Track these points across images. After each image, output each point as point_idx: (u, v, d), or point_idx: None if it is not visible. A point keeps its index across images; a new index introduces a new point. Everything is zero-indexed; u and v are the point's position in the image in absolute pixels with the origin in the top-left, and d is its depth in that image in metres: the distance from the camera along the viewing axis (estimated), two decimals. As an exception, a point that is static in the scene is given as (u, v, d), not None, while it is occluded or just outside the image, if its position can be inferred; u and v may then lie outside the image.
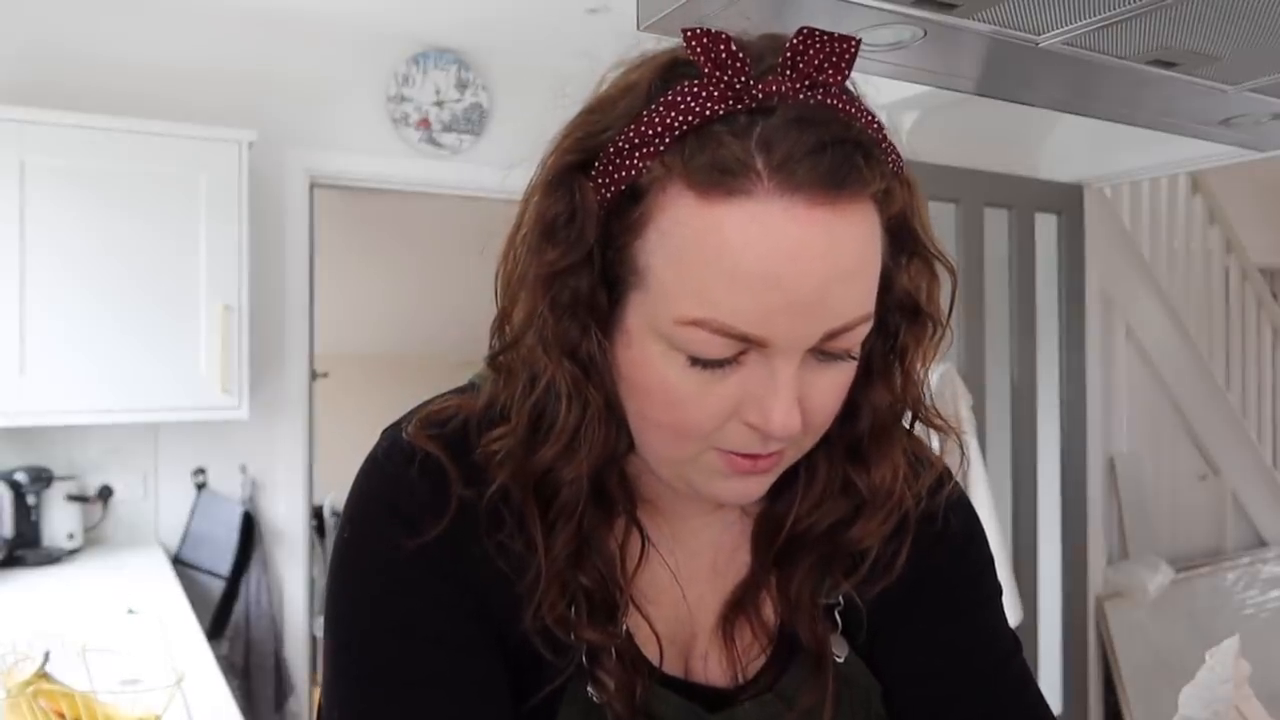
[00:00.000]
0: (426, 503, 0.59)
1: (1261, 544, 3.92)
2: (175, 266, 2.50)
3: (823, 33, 0.51)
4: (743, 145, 0.49)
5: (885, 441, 0.62)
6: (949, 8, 0.55)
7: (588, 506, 0.58)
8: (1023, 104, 0.81)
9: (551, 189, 0.55)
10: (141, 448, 2.75)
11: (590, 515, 0.58)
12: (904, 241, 0.57)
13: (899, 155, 0.56)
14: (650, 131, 0.51)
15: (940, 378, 2.59)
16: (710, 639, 0.64)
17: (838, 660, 0.64)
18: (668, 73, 0.54)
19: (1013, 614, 2.61)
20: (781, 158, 0.49)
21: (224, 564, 2.66)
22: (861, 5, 0.55)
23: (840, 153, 0.50)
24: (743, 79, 0.50)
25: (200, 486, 2.80)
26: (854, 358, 0.56)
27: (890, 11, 0.56)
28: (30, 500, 2.52)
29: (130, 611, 2.04)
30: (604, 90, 0.56)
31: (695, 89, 0.51)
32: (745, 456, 0.55)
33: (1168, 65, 0.64)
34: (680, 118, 0.51)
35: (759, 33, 0.55)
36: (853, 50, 0.52)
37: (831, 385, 0.55)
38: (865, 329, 0.54)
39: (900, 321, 0.59)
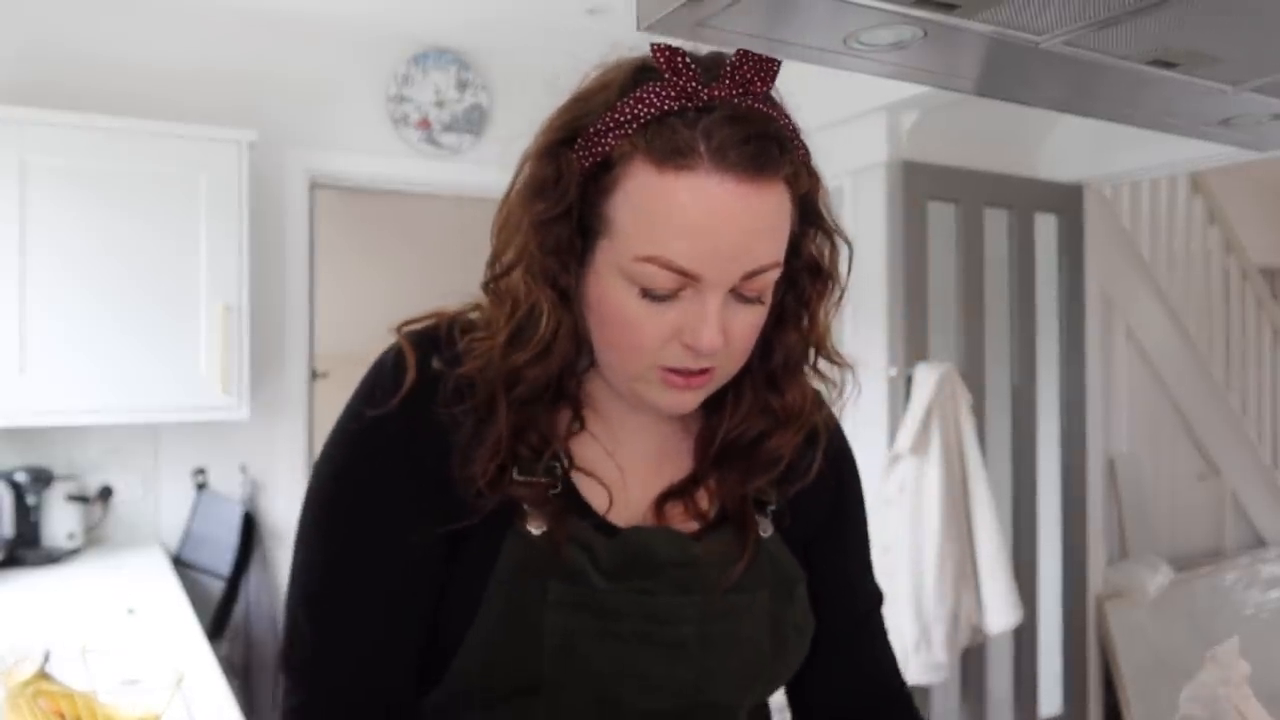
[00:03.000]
0: (389, 383, 0.74)
1: (1261, 544, 3.92)
2: (175, 266, 2.50)
3: (754, 54, 0.67)
4: (690, 133, 0.66)
5: (795, 373, 0.79)
6: (949, 8, 0.55)
7: (543, 400, 0.74)
8: (1023, 104, 0.81)
9: (542, 158, 0.72)
10: (141, 448, 2.75)
11: (542, 404, 0.74)
12: (811, 218, 0.75)
13: (807, 151, 0.73)
14: (622, 118, 0.68)
15: (940, 378, 2.59)
16: (650, 514, 0.78)
17: (763, 535, 0.79)
18: (637, 75, 0.70)
19: (1013, 614, 2.61)
20: (718, 144, 0.66)
21: (224, 564, 2.66)
22: (861, 5, 0.56)
23: (761, 144, 0.67)
24: (694, 84, 0.67)
25: (200, 486, 2.80)
26: (764, 302, 0.73)
27: (890, 12, 0.56)
28: (30, 500, 2.52)
29: (130, 611, 2.04)
30: (586, 85, 0.73)
31: (657, 89, 0.68)
32: (681, 375, 0.71)
33: (1168, 65, 0.64)
34: (645, 109, 0.68)
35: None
36: (775, 68, 0.69)
37: (748, 320, 0.72)
38: (775, 274, 0.71)
39: (807, 280, 0.77)
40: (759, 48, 0.69)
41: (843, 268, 0.78)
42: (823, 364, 0.82)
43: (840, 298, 0.79)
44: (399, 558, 0.73)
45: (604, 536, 0.75)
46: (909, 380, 2.66)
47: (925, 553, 2.54)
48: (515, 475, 0.73)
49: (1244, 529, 3.92)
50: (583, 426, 0.77)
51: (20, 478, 2.51)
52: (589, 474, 0.76)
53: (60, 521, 2.56)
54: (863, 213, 2.80)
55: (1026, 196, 3.00)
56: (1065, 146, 3.05)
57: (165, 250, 2.49)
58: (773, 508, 0.81)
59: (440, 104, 3.07)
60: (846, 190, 2.84)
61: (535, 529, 0.72)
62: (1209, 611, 3.41)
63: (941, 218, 2.79)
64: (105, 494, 2.69)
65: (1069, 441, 3.11)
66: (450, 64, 3.08)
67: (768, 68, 0.68)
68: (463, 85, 3.09)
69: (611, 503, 0.77)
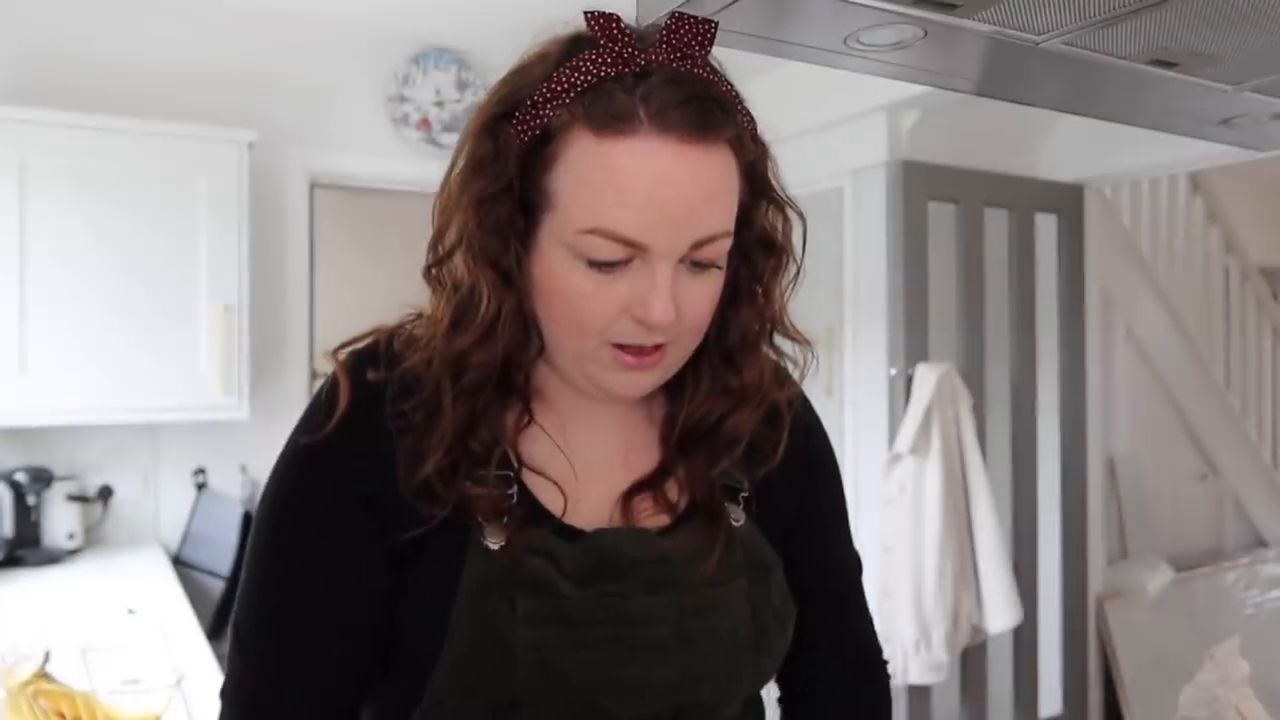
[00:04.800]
0: (324, 408, 0.73)
1: (1261, 544, 3.92)
2: (175, 266, 2.50)
3: (691, 16, 0.65)
4: (629, 98, 0.64)
5: (752, 350, 0.77)
6: (949, 8, 0.56)
7: (490, 391, 0.71)
8: (1023, 104, 0.81)
9: (481, 134, 0.70)
10: (141, 448, 2.75)
11: (490, 398, 0.71)
12: (761, 190, 0.73)
13: (753, 119, 0.71)
14: (559, 88, 0.66)
15: (940, 378, 2.59)
16: (617, 512, 0.76)
17: (735, 524, 0.77)
18: (572, 46, 0.68)
19: (1013, 614, 2.61)
20: (658, 107, 0.64)
21: (224, 564, 2.66)
22: (861, 5, 0.56)
23: (701, 105, 0.65)
24: (630, 50, 0.66)
25: (200, 486, 2.80)
26: (719, 268, 0.70)
27: (890, 11, 0.56)
28: (30, 500, 2.52)
29: (130, 611, 2.04)
30: (523, 59, 0.71)
31: (593, 56, 0.66)
32: (633, 354, 0.69)
33: (1168, 65, 0.64)
34: (581, 77, 0.65)
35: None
36: (712, 30, 0.66)
37: (702, 292, 0.70)
38: (726, 243, 0.69)
39: (760, 254, 0.75)
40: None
41: (796, 241, 0.77)
42: (784, 341, 0.81)
43: (796, 273, 0.77)
44: (333, 585, 0.71)
45: (566, 542, 0.72)
46: (909, 380, 2.66)
47: (925, 553, 2.54)
48: (468, 481, 0.70)
49: (1244, 529, 3.92)
50: (531, 419, 0.75)
51: (20, 478, 2.51)
52: (539, 473, 0.74)
53: (60, 521, 2.56)
54: (863, 213, 2.80)
55: (1026, 196, 2.99)
56: (1065, 146, 3.05)
57: (165, 250, 2.49)
58: (744, 494, 0.79)
59: (440, 104, 3.07)
60: (847, 190, 2.84)
61: (493, 543, 0.70)
62: (1209, 611, 3.41)
63: (941, 218, 2.79)
64: (105, 494, 2.69)
65: (1069, 441, 3.11)
66: (450, 64, 3.07)
67: (705, 31, 0.66)
68: (463, 85, 3.09)
69: (566, 503, 0.74)
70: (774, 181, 0.74)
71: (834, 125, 2.81)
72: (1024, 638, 2.96)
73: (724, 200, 0.68)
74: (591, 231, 0.65)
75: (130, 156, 2.46)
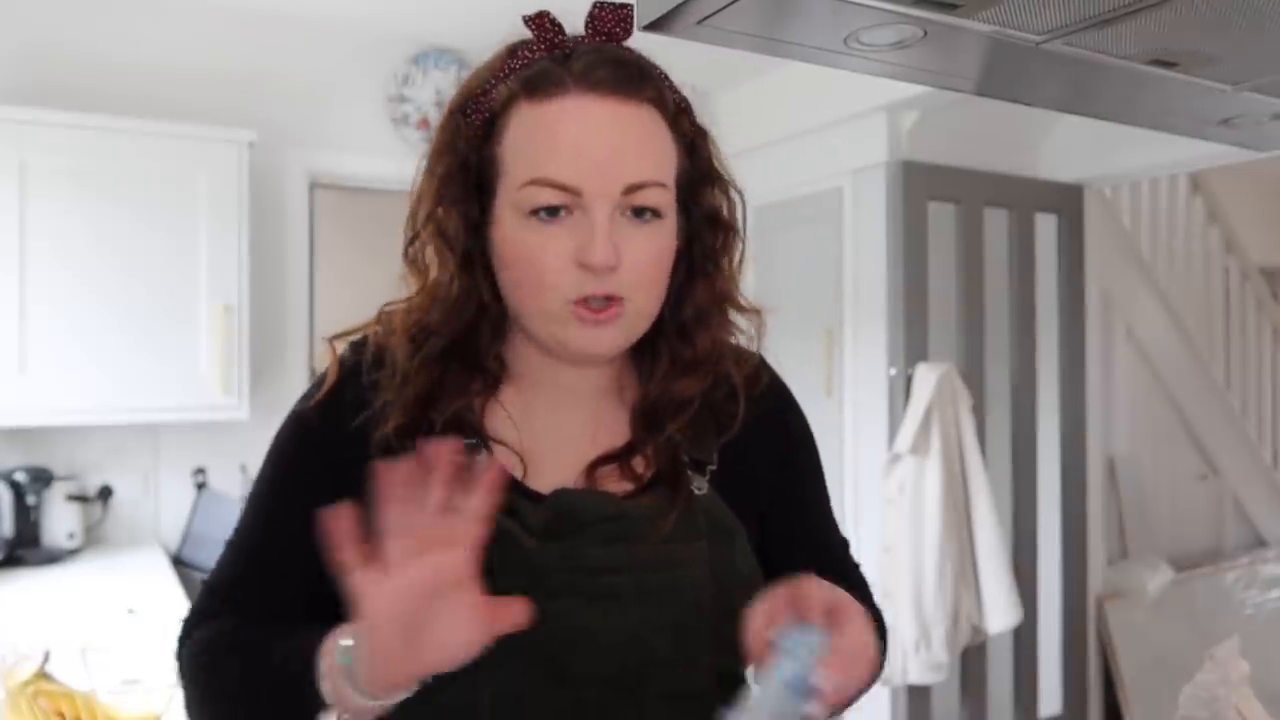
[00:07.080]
0: (314, 385, 0.84)
1: (1261, 544, 3.92)
2: (175, 266, 2.50)
3: (611, 4, 0.77)
4: (560, 69, 0.75)
5: (704, 322, 0.84)
6: (949, 8, 0.55)
7: (445, 361, 0.79)
8: (1023, 104, 0.81)
9: (442, 128, 0.81)
10: (141, 448, 2.75)
11: (453, 372, 0.79)
12: (705, 173, 0.82)
13: (689, 102, 0.81)
14: (502, 74, 0.78)
15: (940, 378, 2.59)
16: (581, 480, 0.81)
17: (698, 492, 0.82)
18: (514, 47, 0.79)
19: (1013, 614, 2.61)
20: (582, 70, 0.75)
21: (224, 564, 2.66)
22: (861, 5, 0.56)
23: (621, 67, 0.76)
24: (559, 37, 0.78)
25: (200, 486, 2.80)
26: (660, 217, 0.77)
27: (890, 11, 0.56)
28: (30, 500, 2.51)
29: (130, 611, 2.04)
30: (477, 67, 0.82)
31: (530, 47, 0.78)
32: (591, 310, 0.75)
33: (1168, 65, 0.64)
34: (519, 63, 0.77)
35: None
36: (631, 14, 0.75)
37: (643, 243, 0.76)
38: (660, 193, 0.76)
39: (708, 231, 0.83)
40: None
41: (739, 219, 0.85)
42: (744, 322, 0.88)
43: (742, 250, 0.86)
44: (307, 519, 0.76)
45: (529, 501, 0.78)
46: (909, 380, 2.66)
47: (925, 553, 2.54)
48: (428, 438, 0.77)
49: (1244, 529, 3.92)
50: (494, 393, 0.82)
51: (20, 478, 2.51)
52: (500, 442, 0.80)
53: (60, 521, 2.56)
54: (863, 213, 2.80)
55: (1026, 196, 2.99)
56: (1065, 146, 3.05)
57: (165, 250, 2.49)
58: (712, 467, 0.84)
59: (440, 104, 3.05)
60: (846, 190, 2.84)
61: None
62: (1209, 611, 3.41)
63: (941, 218, 2.79)
64: (105, 494, 2.69)
65: (1069, 441, 3.11)
66: (450, 64, 3.07)
67: (624, 15, 0.77)
68: (463, 85, 3.09)
69: (526, 470, 0.80)
70: (717, 163, 0.83)
71: (834, 125, 2.81)
72: (1024, 638, 2.96)
73: (648, 149, 0.76)
74: (532, 182, 0.74)
75: (130, 156, 2.46)
